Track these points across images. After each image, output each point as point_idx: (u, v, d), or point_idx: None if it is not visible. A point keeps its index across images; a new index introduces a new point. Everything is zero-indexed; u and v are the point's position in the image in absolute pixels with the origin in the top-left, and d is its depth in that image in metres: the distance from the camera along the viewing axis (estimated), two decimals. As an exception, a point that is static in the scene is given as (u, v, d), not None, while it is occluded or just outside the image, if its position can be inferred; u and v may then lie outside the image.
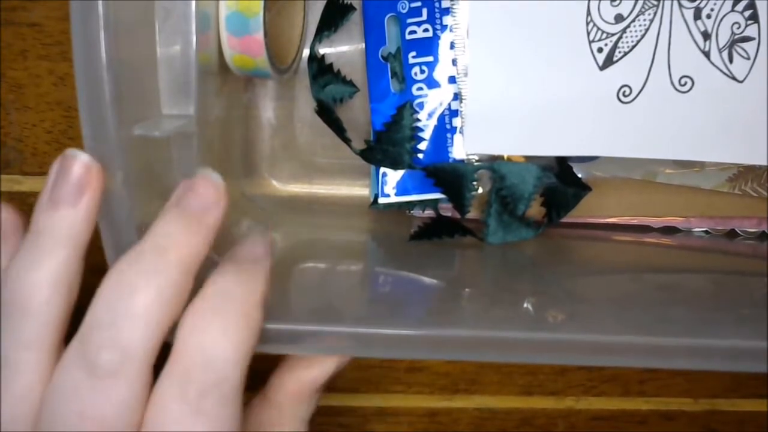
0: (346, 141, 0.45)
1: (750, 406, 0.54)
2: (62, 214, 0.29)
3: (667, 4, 0.40)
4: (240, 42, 0.42)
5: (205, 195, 0.31)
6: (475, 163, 0.45)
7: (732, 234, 0.52)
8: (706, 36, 0.40)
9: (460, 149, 0.45)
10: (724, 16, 0.40)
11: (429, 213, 0.47)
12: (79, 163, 0.29)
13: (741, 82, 0.41)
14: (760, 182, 0.50)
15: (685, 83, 0.41)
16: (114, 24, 0.32)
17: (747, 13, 0.40)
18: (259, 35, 0.42)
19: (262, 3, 0.41)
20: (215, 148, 0.44)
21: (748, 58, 0.40)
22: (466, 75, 0.43)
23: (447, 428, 0.55)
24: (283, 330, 0.32)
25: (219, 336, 0.28)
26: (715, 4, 0.40)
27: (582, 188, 0.45)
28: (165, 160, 0.37)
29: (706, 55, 0.41)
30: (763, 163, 0.42)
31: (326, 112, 0.45)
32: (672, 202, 0.49)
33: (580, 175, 0.45)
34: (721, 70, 0.41)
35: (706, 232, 0.52)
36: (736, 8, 0.40)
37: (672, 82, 0.41)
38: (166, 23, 0.39)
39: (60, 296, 0.29)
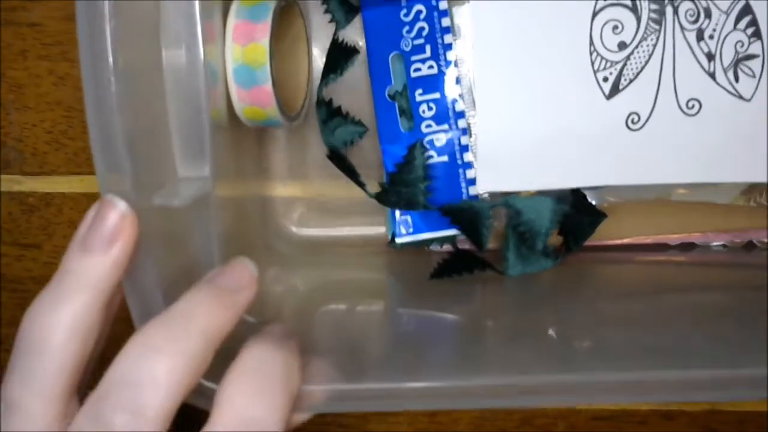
0: (361, 185, 0.46)
1: (750, 406, 0.54)
2: (91, 260, 0.29)
3: (669, 27, 0.41)
4: (249, 94, 0.43)
5: (239, 276, 0.31)
6: (490, 199, 0.45)
7: (750, 245, 0.52)
8: (710, 57, 0.40)
9: (473, 185, 0.45)
10: (726, 35, 0.40)
11: (447, 248, 0.47)
12: (115, 211, 0.30)
13: (748, 100, 0.41)
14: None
15: (693, 106, 0.41)
16: (126, 91, 0.33)
17: (749, 31, 0.40)
18: (268, 85, 0.42)
19: (267, 53, 0.42)
20: (231, 200, 0.45)
21: (754, 76, 0.40)
22: (474, 109, 0.43)
23: (447, 428, 0.54)
24: (310, 391, 0.32)
25: (261, 400, 0.29)
26: (717, 24, 0.40)
27: (597, 216, 0.45)
28: (183, 222, 0.37)
29: (712, 76, 0.41)
30: (756, 180, 0.42)
31: (338, 159, 0.45)
32: (687, 219, 0.49)
33: (593, 202, 0.45)
34: (727, 90, 0.41)
35: (724, 245, 0.51)
36: (738, 26, 0.40)
37: (680, 106, 0.41)
38: (176, 84, 0.39)
39: (76, 342, 0.29)
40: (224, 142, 0.43)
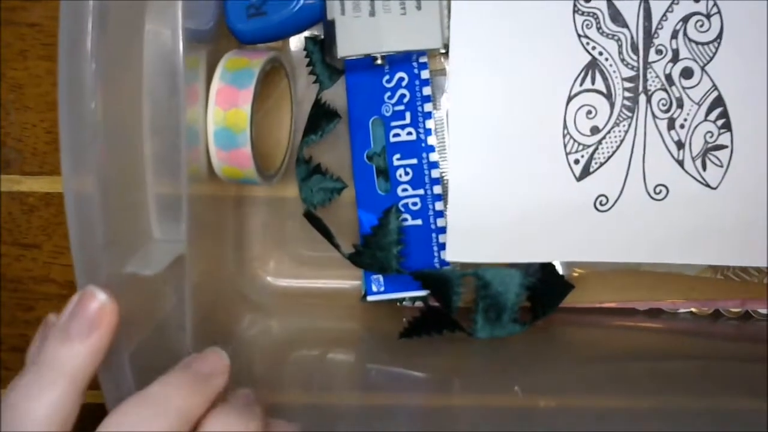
0: (336, 246, 0.47)
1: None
2: (69, 349, 0.31)
3: (642, 115, 0.42)
4: (228, 155, 0.44)
5: (213, 363, 0.32)
6: (461, 268, 0.46)
7: (716, 314, 0.53)
8: (680, 145, 0.42)
9: (445, 249, 0.46)
10: (697, 125, 0.41)
11: (419, 303, 0.49)
12: (96, 302, 0.31)
13: (715, 188, 0.42)
14: (742, 267, 0.51)
15: (660, 191, 0.42)
16: (104, 149, 0.34)
17: (720, 122, 0.41)
18: (247, 149, 0.43)
19: (248, 119, 0.43)
20: (207, 254, 0.46)
21: (722, 166, 0.42)
22: (448, 177, 0.45)
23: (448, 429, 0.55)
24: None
25: None
26: (688, 113, 0.41)
27: (565, 287, 0.46)
28: (156, 284, 0.38)
29: (680, 163, 0.42)
30: (739, 264, 0.43)
31: (314, 220, 0.46)
32: (656, 288, 0.50)
33: (563, 271, 0.46)
34: (695, 178, 0.42)
35: (691, 312, 0.53)
36: (709, 117, 0.41)
37: (647, 191, 0.42)
38: (155, 144, 0.40)
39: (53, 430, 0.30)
40: (202, 197, 0.44)
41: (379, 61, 0.44)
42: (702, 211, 0.42)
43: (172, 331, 0.40)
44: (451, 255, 0.44)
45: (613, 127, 0.41)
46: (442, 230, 0.46)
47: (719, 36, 0.41)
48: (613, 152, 0.42)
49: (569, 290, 0.46)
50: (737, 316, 0.53)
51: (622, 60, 0.41)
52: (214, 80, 0.43)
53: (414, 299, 0.48)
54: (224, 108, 0.43)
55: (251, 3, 0.45)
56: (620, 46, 0.41)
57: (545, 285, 0.45)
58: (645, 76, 0.41)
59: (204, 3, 0.43)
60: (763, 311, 0.52)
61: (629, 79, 0.41)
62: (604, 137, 0.41)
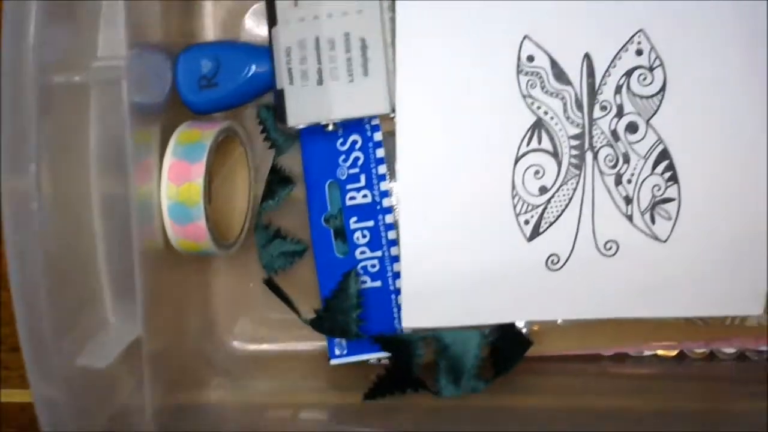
0: (296, 312, 0.47)
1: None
2: None
3: (589, 172, 0.42)
4: (184, 229, 0.44)
5: None
6: (420, 331, 0.46)
7: (681, 355, 0.53)
8: (628, 200, 0.42)
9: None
10: (644, 179, 0.42)
11: (386, 361, 0.49)
12: None
13: (664, 242, 0.42)
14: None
15: (611, 247, 0.43)
16: (51, 222, 0.34)
17: (667, 175, 0.42)
18: (202, 222, 0.44)
19: (202, 192, 0.43)
20: (168, 325, 0.46)
21: (670, 219, 0.42)
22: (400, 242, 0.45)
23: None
24: None
25: None
26: (635, 168, 0.42)
27: (525, 344, 0.46)
28: (113, 375, 0.39)
29: (629, 218, 0.42)
30: (690, 315, 0.43)
31: (275, 288, 0.47)
32: (619, 333, 0.50)
33: (523, 326, 0.47)
34: (644, 232, 0.42)
35: (656, 355, 0.53)
36: (656, 171, 0.42)
37: (598, 247, 0.43)
38: (106, 221, 0.41)
39: None
40: (161, 270, 0.44)
41: (330, 128, 0.45)
42: (653, 265, 0.42)
43: (132, 416, 0.40)
44: (407, 321, 0.44)
45: (561, 186, 0.42)
46: (401, 292, 0.46)
47: (662, 89, 0.42)
48: (562, 211, 0.42)
49: (528, 347, 0.46)
50: (702, 357, 0.53)
51: (568, 118, 0.41)
52: (167, 155, 0.44)
53: (380, 358, 0.48)
54: (177, 183, 0.43)
55: (202, 75, 0.45)
56: (565, 104, 0.42)
57: (505, 343, 0.46)
58: (591, 133, 0.42)
59: (155, 76, 0.44)
60: (728, 351, 0.53)
61: (575, 137, 0.42)
62: (552, 196, 0.42)
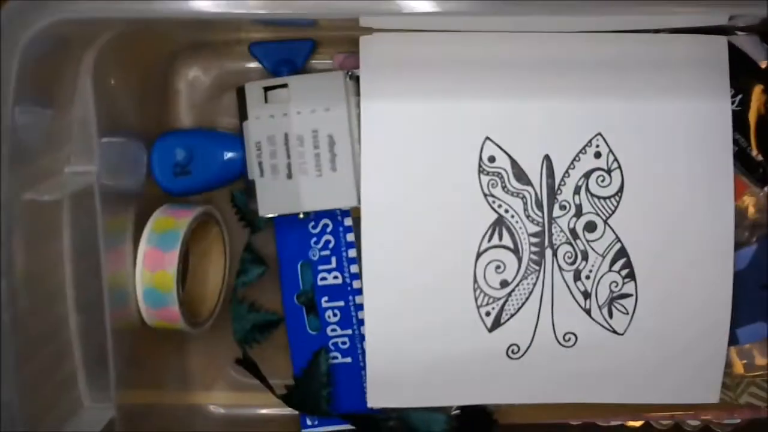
0: (270, 388, 0.49)
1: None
2: None
3: (548, 267, 0.44)
4: (158, 313, 0.46)
5: None
6: (387, 411, 0.48)
7: (648, 426, 0.55)
8: (586, 295, 0.44)
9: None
10: (602, 276, 0.43)
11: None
12: None
13: (621, 335, 0.44)
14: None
15: (569, 339, 0.44)
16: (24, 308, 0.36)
17: (624, 272, 0.43)
18: (175, 308, 0.46)
19: (175, 280, 0.45)
20: (145, 397, 0.48)
21: (627, 313, 0.44)
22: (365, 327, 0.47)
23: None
24: None
25: None
26: (593, 265, 0.43)
27: (490, 423, 0.48)
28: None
29: (588, 312, 0.44)
30: (647, 402, 0.45)
31: (249, 365, 0.49)
32: (586, 406, 0.52)
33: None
34: (602, 326, 0.44)
35: (623, 425, 0.55)
36: (614, 268, 0.43)
37: (557, 339, 0.44)
38: (79, 313, 0.42)
39: None
40: (138, 345, 0.46)
41: (301, 216, 0.47)
42: (610, 356, 0.44)
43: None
44: (372, 401, 0.46)
45: (521, 280, 0.43)
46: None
47: (620, 190, 0.43)
48: (523, 304, 0.44)
49: (493, 425, 0.48)
50: (668, 428, 0.54)
51: (528, 216, 0.43)
52: (142, 242, 0.46)
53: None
54: (151, 270, 0.45)
55: (176, 162, 0.47)
56: (525, 203, 0.43)
57: (469, 421, 0.47)
58: (550, 230, 0.43)
59: (130, 162, 0.46)
60: (693, 423, 0.54)
61: (535, 235, 0.43)
62: (513, 290, 0.44)
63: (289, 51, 0.47)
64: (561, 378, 0.44)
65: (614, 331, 0.44)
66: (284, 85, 0.45)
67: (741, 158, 0.44)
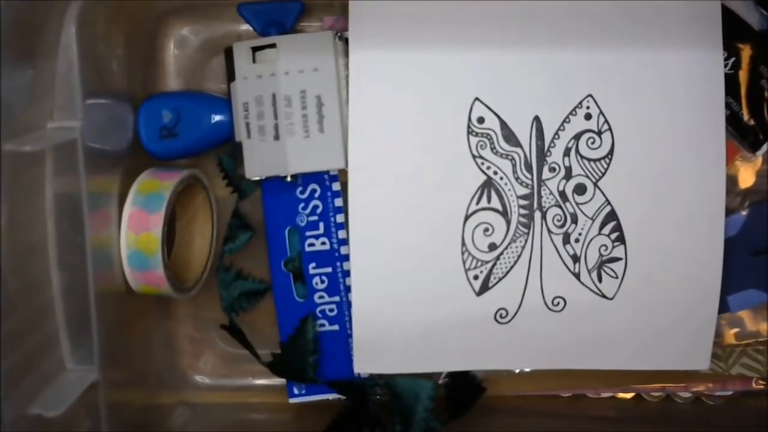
0: (255, 355, 0.49)
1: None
2: None
3: (537, 230, 0.43)
4: (143, 276, 0.45)
5: None
6: (374, 378, 0.48)
7: (638, 398, 0.54)
8: (575, 258, 0.43)
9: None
10: (591, 239, 0.43)
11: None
12: None
13: (611, 299, 0.43)
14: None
15: (558, 303, 0.44)
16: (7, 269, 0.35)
17: (614, 236, 0.43)
18: (160, 271, 0.45)
19: (160, 242, 0.44)
20: (131, 362, 0.48)
21: (617, 277, 0.43)
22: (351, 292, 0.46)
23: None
24: None
25: None
26: (582, 228, 0.43)
27: (478, 390, 0.48)
28: (68, 422, 0.40)
29: (577, 276, 0.43)
30: (637, 368, 0.44)
31: (235, 331, 0.48)
32: (577, 377, 0.51)
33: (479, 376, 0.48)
34: (591, 290, 0.43)
35: (613, 396, 0.54)
36: (603, 231, 0.43)
37: (545, 303, 0.44)
38: (63, 273, 0.42)
39: None
40: (122, 311, 0.46)
41: (288, 179, 0.46)
42: (599, 321, 0.43)
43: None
44: (358, 367, 0.45)
45: (510, 243, 0.43)
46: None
47: (611, 152, 0.42)
48: (511, 267, 0.43)
49: (482, 393, 0.47)
50: (658, 399, 0.54)
51: (517, 178, 0.42)
52: (127, 204, 0.45)
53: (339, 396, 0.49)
54: (136, 232, 0.45)
55: (163, 125, 0.46)
56: (514, 165, 0.42)
57: (458, 389, 0.47)
58: (539, 193, 0.42)
59: (116, 124, 0.45)
60: (684, 395, 0.54)
61: (524, 197, 0.43)
62: (501, 253, 0.43)
63: (278, 12, 0.46)
64: (550, 343, 0.44)
65: (603, 296, 0.43)
66: (272, 45, 0.45)
67: (733, 122, 0.44)
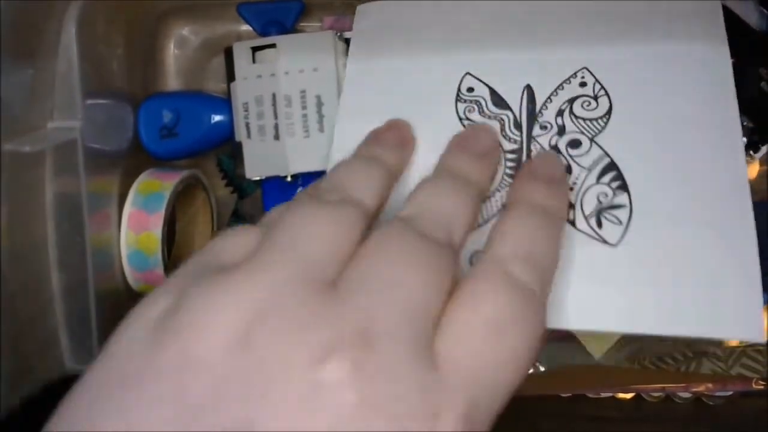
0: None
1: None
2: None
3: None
4: (143, 276, 0.45)
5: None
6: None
7: (638, 398, 0.54)
8: (569, 206, 0.39)
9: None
10: (588, 188, 0.39)
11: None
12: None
13: (614, 245, 0.38)
14: (658, 357, 0.52)
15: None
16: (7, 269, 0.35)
17: (614, 185, 0.38)
18: (160, 270, 0.45)
19: (160, 242, 0.44)
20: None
21: (620, 224, 0.38)
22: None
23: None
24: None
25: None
26: (577, 178, 0.39)
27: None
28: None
29: (572, 223, 0.39)
30: (646, 332, 0.36)
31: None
32: (577, 377, 0.51)
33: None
34: (589, 235, 0.38)
35: (614, 397, 0.54)
36: (602, 181, 0.39)
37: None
38: (63, 277, 0.42)
39: None
40: (120, 313, 0.45)
41: (288, 179, 0.46)
42: (600, 270, 0.37)
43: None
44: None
45: (495, 192, 0.40)
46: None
47: (608, 112, 0.41)
48: (493, 215, 0.40)
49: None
50: (658, 399, 0.54)
51: (505, 136, 0.40)
52: (127, 204, 0.45)
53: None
54: (136, 231, 0.45)
55: (163, 125, 0.46)
56: (503, 125, 0.40)
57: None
58: (528, 147, 0.40)
59: (116, 124, 0.45)
60: (684, 395, 0.54)
61: (512, 152, 0.40)
62: (489, 200, 0.40)
63: (278, 12, 0.46)
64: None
65: (605, 241, 0.38)
66: (272, 45, 0.45)
67: (732, 123, 0.43)
